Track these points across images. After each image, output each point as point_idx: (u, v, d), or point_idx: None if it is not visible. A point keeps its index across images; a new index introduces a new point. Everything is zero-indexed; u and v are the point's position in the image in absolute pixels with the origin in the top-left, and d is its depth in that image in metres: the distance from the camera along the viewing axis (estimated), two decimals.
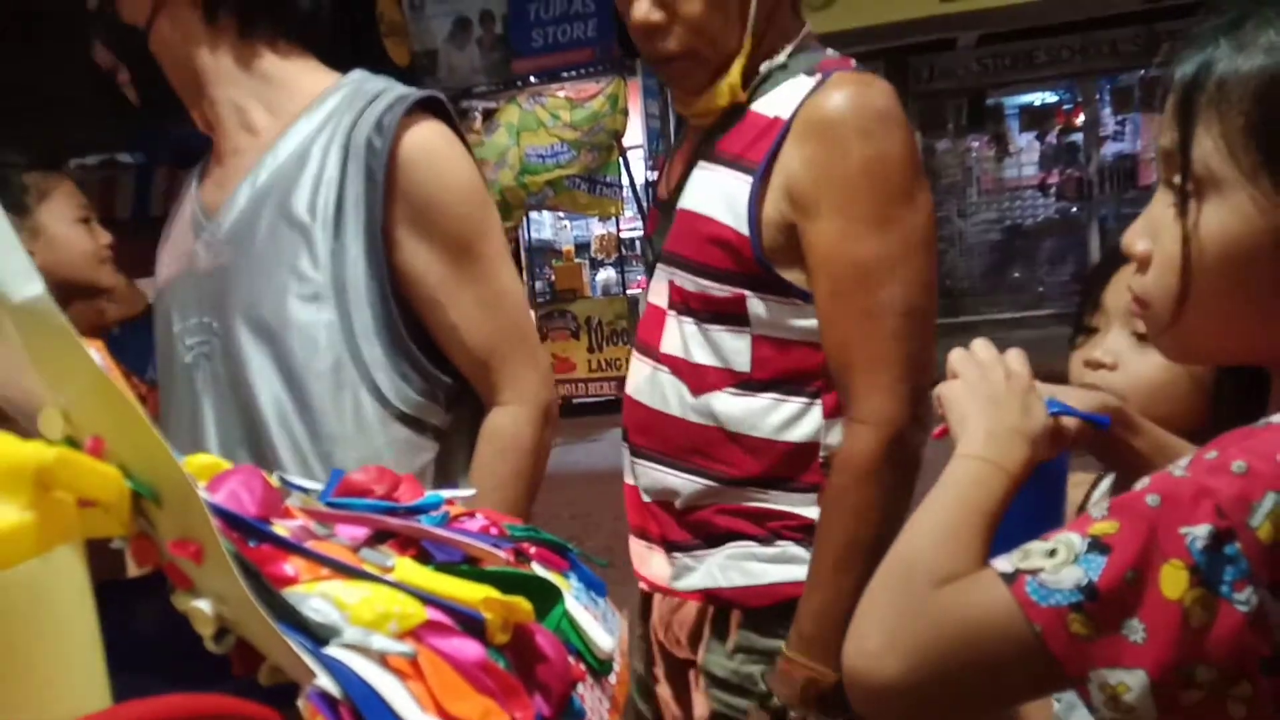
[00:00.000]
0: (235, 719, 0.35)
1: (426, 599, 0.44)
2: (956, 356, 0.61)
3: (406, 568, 0.49)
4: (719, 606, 0.90)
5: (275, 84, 0.83)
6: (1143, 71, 7.33)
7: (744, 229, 0.83)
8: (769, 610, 0.88)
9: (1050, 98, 8.19)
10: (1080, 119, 7.93)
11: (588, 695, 0.52)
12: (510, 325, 0.83)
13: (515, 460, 0.82)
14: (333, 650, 0.38)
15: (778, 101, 0.85)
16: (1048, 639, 0.44)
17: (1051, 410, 0.59)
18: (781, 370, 0.86)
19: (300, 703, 0.36)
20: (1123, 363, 0.80)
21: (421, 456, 0.80)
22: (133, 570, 0.54)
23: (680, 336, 0.90)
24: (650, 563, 0.95)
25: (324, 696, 0.36)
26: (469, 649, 0.43)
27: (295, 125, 0.81)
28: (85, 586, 0.35)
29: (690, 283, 0.87)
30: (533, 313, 7.22)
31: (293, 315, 0.76)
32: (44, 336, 0.35)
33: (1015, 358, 0.60)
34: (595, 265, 7.27)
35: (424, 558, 0.52)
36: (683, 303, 0.89)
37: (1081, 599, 0.43)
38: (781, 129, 0.83)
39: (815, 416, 0.87)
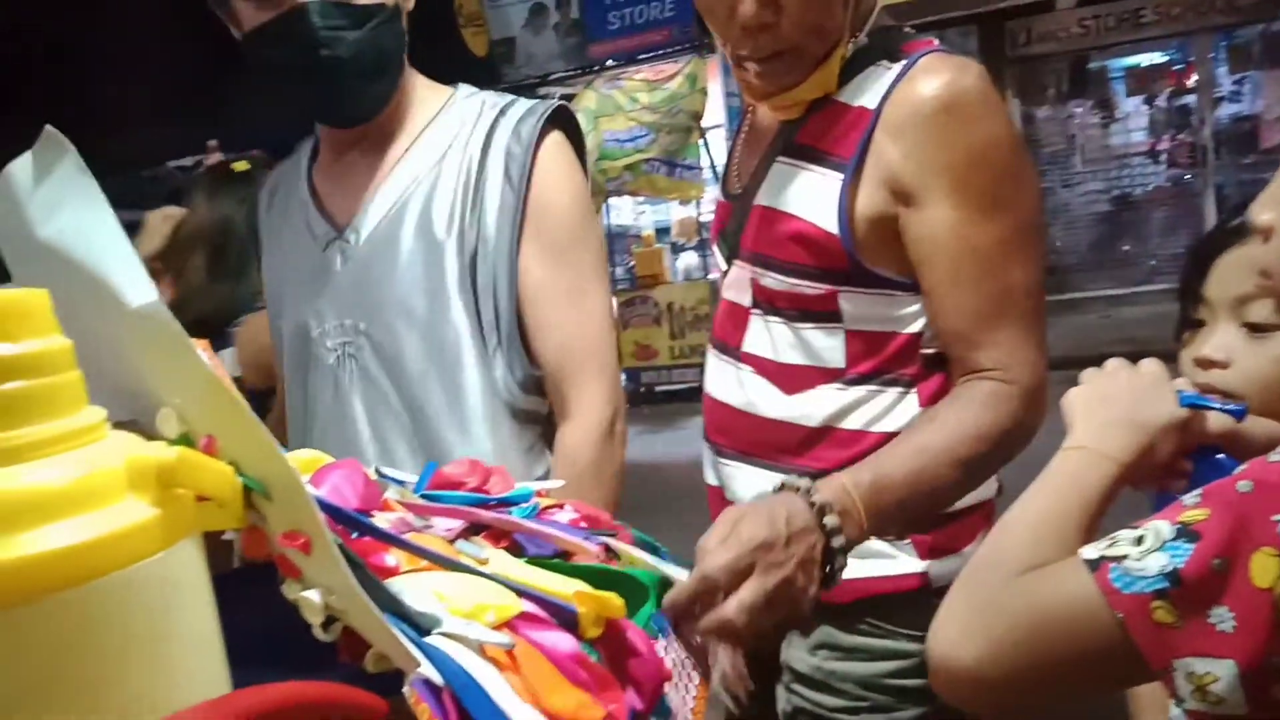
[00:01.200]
0: (345, 706, 0.37)
1: (521, 591, 0.45)
2: (1087, 372, 0.61)
3: (500, 560, 0.50)
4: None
5: (399, 101, 0.88)
6: (1263, 25, 6.80)
7: (833, 227, 0.81)
8: (851, 607, 0.86)
9: (1159, 58, 7.69)
10: (1192, 79, 7.43)
11: (672, 693, 0.53)
12: (589, 336, 0.87)
13: (577, 481, 0.85)
14: (434, 640, 0.40)
15: (862, 89, 0.82)
16: (1130, 627, 0.43)
17: (1184, 402, 0.58)
18: (877, 363, 0.84)
19: (405, 690, 0.37)
20: (1235, 359, 0.75)
21: (531, 442, 0.88)
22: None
23: (768, 336, 0.88)
24: None
25: (427, 684, 0.37)
26: (563, 642, 0.43)
27: (424, 137, 0.87)
28: (205, 578, 0.37)
29: (777, 282, 0.85)
30: (614, 300, 7.21)
31: (436, 314, 0.83)
32: (159, 342, 0.37)
33: (1149, 362, 0.60)
34: (676, 250, 7.23)
35: (516, 550, 0.54)
36: (769, 302, 0.87)
37: (1166, 586, 0.43)
38: (870, 120, 0.80)
39: (911, 405, 0.84)
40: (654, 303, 6.39)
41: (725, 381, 0.92)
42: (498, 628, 0.42)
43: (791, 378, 0.86)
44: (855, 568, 0.86)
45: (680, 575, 0.60)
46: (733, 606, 0.60)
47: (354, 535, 0.45)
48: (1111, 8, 7.08)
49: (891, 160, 0.79)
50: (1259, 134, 7.14)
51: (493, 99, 0.89)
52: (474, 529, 0.54)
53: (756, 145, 0.92)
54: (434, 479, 0.59)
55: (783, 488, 0.70)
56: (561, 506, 0.63)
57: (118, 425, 0.37)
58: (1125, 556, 0.45)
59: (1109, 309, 6.73)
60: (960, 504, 0.85)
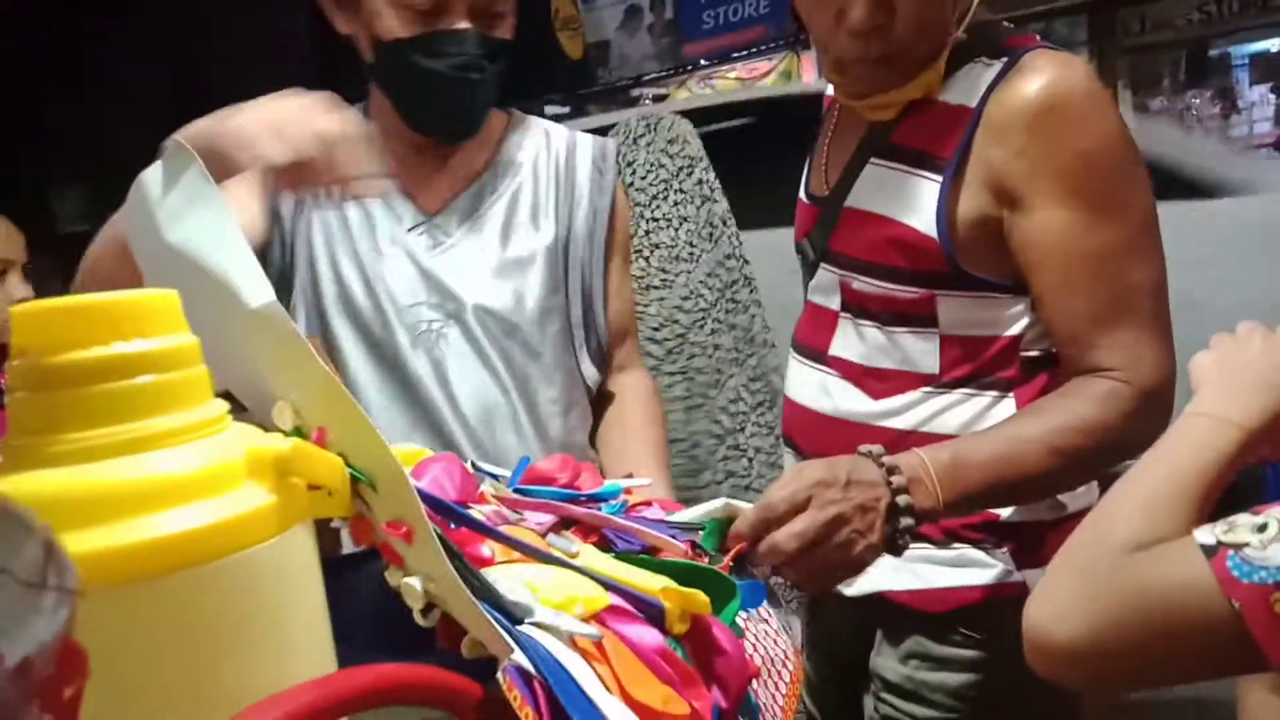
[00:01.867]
0: (440, 689, 0.38)
1: (609, 585, 0.46)
2: (1217, 336, 0.58)
3: (590, 554, 0.51)
4: (891, 610, 0.86)
5: None
6: None
7: (932, 231, 0.78)
8: (944, 616, 0.83)
9: None
10: None
11: (761, 692, 0.53)
12: (632, 312, 1.03)
13: (648, 416, 0.97)
14: (525, 629, 0.41)
15: (962, 88, 0.79)
16: (1247, 618, 0.42)
17: None
18: (973, 367, 0.82)
19: (499, 676, 0.38)
20: None
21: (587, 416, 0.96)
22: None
23: (859, 340, 0.86)
24: None
25: (519, 671, 0.39)
26: (649, 636, 0.44)
27: (506, 146, 0.95)
28: (315, 562, 0.39)
29: (871, 286, 0.83)
30: None
31: (529, 298, 0.90)
32: (276, 340, 0.40)
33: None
34: None
35: (605, 545, 0.55)
36: (861, 306, 0.85)
37: None
38: (971, 119, 0.78)
39: (1007, 408, 0.81)
40: None
41: (808, 385, 0.90)
42: (586, 620, 0.42)
43: (882, 381, 0.84)
44: (949, 576, 0.84)
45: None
46: (784, 533, 0.63)
47: (452, 526, 0.47)
48: None
49: (996, 162, 0.76)
50: None
51: (547, 124, 1.00)
52: (565, 524, 0.55)
53: (844, 146, 0.89)
54: (527, 474, 0.61)
55: (869, 455, 0.70)
56: (649, 504, 0.63)
57: (237, 417, 0.40)
58: (1246, 544, 0.43)
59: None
60: (1059, 513, 0.82)
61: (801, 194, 0.96)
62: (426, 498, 0.44)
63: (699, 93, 6.49)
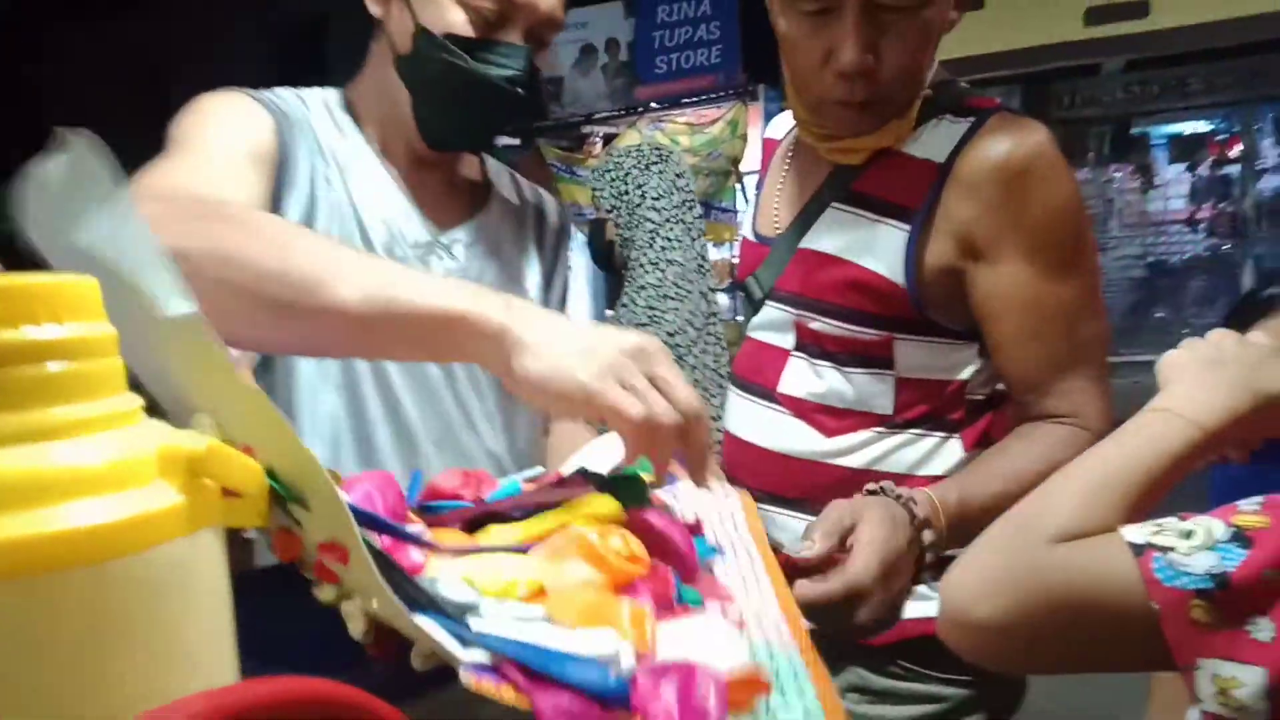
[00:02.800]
0: (348, 708, 0.37)
1: (525, 548, 0.47)
2: (1188, 340, 0.60)
3: (499, 532, 0.51)
4: (830, 643, 0.87)
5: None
6: None
7: (899, 278, 0.81)
8: (884, 648, 0.85)
9: (1202, 126, 7.65)
10: (1236, 150, 7.38)
11: (718, 533, 0.54)
12: None
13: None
14: (474, 622, 0.40)
15: (929, 142, 0.83)
16: (1164, 620, 0.43)
17: None
18: (924, 410, 0.85)
19: (462, 676, 0.38)
20: None
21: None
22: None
23: (814, 379, 0.87)
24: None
25: (479, 666, 0.38)
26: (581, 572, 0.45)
27: (490, 178, 0.96)
28: (224, 569, 0.37)
29: (831, 327, 0.85)
30: None
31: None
32: (195, 352, 0.38)
33: (1257, 333, 0.59)
34: None
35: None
36: (817, 345, 0.87)
37: (1211, 587, 0.42)
38: (938, 173, 0.81)
39: (955, 449, 0.84)
40: None
41: (754, 422, 0.91)
42: (531, 599, 0.42)
43: (836, 420, 0.86)
44: None
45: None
46: (864, 614, 0.64)
47: (382, 539, 0.46)
48: (1158, 74, 7.06)
49: (963, 216, 0.80)
50: None
51: (515, 178, 1.01)
52: (473, 526, 0.55)
53: (801, 189, 0.92)
54: (428, 490, 0.60)
55: (881, 491, 0.71)
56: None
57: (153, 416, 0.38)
58: (1172, 549, 0.44)
59: (1139, 375, 6.63)
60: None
61: (747, 233, 0.99)
62: (355, 512, 0.43)
63: (649, 135, 6.58)
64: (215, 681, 0.33)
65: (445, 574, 0.44)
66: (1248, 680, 0.42)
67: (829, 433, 0.87)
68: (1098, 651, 0.47)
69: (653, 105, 6.78)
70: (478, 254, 0.90)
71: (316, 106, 0.87)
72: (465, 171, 0.95)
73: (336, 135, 0.86)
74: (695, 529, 0.55)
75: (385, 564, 0.40)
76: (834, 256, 0.86)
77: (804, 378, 0.88)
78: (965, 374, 0.85)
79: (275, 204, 0.79)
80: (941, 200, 0.81)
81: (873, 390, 0.85)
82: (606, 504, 0.50)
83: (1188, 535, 0.45)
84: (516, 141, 7.33)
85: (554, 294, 0.96)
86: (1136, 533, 0.46)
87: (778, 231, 0.93)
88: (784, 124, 1.01)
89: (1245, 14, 5.96)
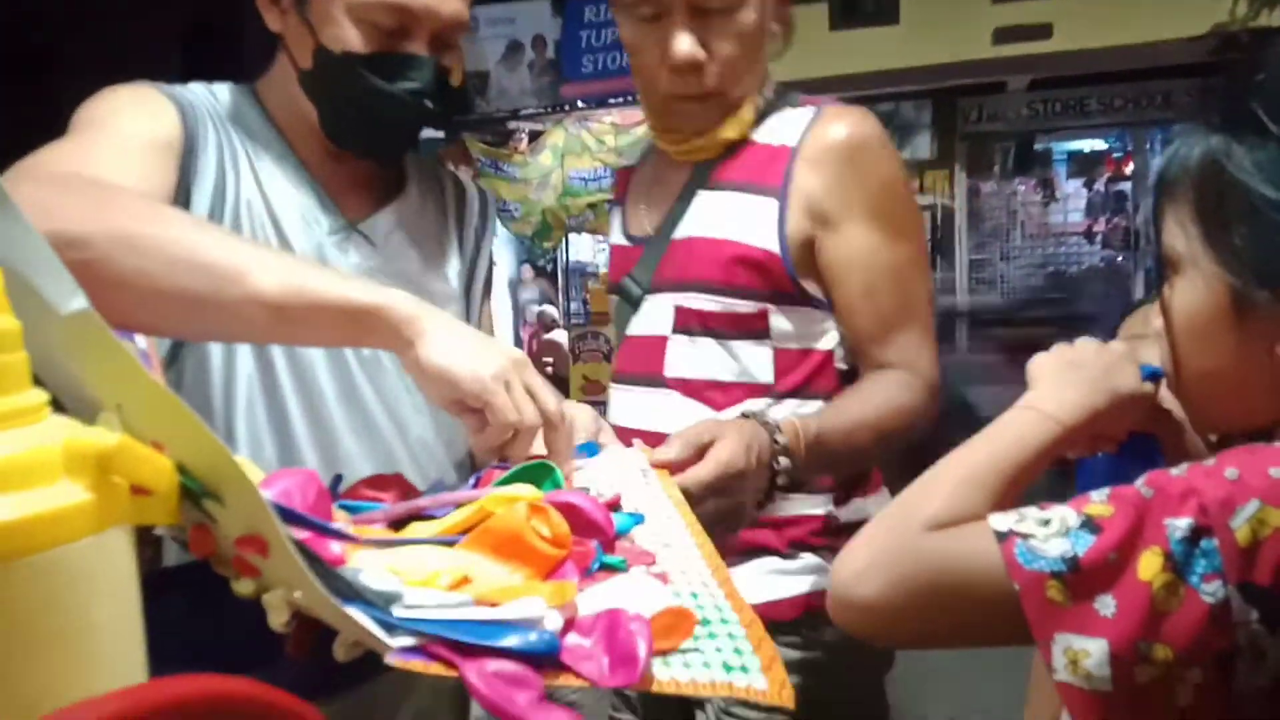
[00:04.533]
0: (262, 704, 0.37)
1: (449, 541, 0.47)
2: (1056, 345, 0.65)
3: (424, 528, 0.52)
4: None
5: None
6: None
7: (774, 247, 0.89)
8: (797, 621, 0.91)
9: (1099, 145, 8.10)
10: (1129, 168, 7.84)
11: (637, 498, 0.56)
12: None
13: None
14: (399, 610, 0.40)
15: (776, 132, 0.93)
16: (1023, 599, 0.47)
17: (1145, 374, 0.62)
18: (801, 378, 0.92)
19: (389, 659, 0.38)
20: None
21: None
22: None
23: (696, 356, 0.93)
24: None
25: (407, 650, 0.38)
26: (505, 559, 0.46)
27: (410, 170, 0.94)
28: (133, 567, 0.37)
29: (712, 303, 0.91)
30: (566, 334, 7.19)
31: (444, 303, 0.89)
32: (94, 349, 0.37)
33: (1117, 342, 0.65)
34: None
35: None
36: (699, 323, 0.92)
37: (1064, 569, 0.47)
38: (790, 154, 0.90)
39: None
40: (605, 339, 6.42)
41: (645, 409, 0.95)
42: (455, 588, 0.43)
43: (724, 394, 0.92)
44: (800, 584, 0.91)
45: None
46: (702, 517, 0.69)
47: (299, 534, 0.45)
48: (1059, 94, 7.45)
49: (813, 189, 0.89)
50: None
51: (432, 164, 1.00)
52: (396, 526, 0.55)
53: (665, 190, 0.99)
54: (349, 491, 0.60)
55: (749, 417, 0.79)
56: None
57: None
58: (1031, 535, 0.49)
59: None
60: (873, 512, 0.93)
61: (618, 239, 1.05)
62: (274, 507, 0.43)
63: (574, 133, 6.57)
64: (125, 681, 0.33)
65: (368, 565, 0.44)
66: (1094, 651, 0.46)
67: (718, 407, 0.92)
68: (967, 628, 0.52)
69: (579, 104, 6.79)
70: (396, 241, 0.88)
71: (226, 99, 0.85)
72: (389, 168, 0.94)
73: (247, 127, 0.84)
74: (614, 504, 0.57)
75: (307, 555, 0.40)
76: (710, 239, 0.92)
77: (687, 357, 0.94)
78: (828, 344, 0.93)
79: (184, 194, 0.77)
80: (794, 177, 0.90)
81: (753, 360, 0.91)
82: (524, 490, 0.51)
83: (1045, 523, 0.49)
84: (440, 135, 7.23)
85: (476, 285, 0.96)
86: (1001, 521, 0.51)
87: (647, 232, 0.98)
88: (628, 157, 1.13)
89: (1139, 41, 6.33)
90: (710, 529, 0.69)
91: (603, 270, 7.64)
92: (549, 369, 7.97)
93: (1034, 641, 0.48)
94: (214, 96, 0.85)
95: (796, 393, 0.92)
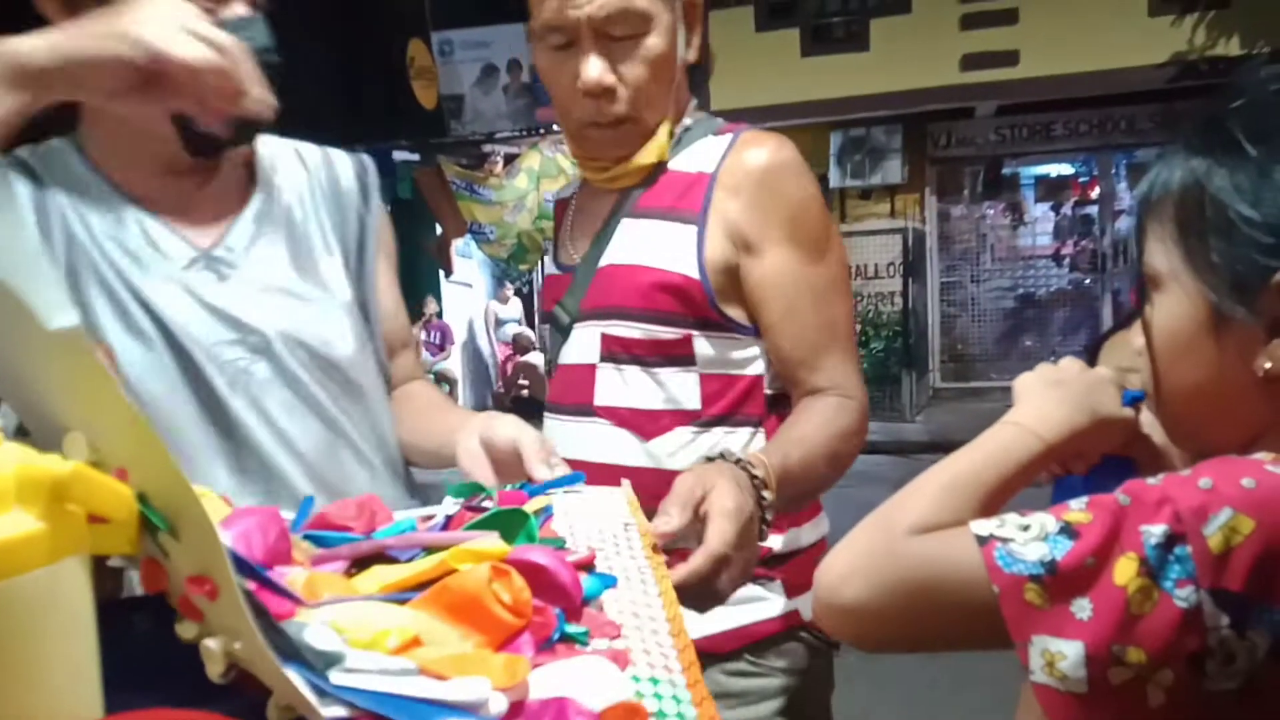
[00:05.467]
0: None
1: (404, 597, 0.46)
2: (1041, 364, 0.66)
3: (383, 572, 0.50)
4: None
5: None
6: (1158, 148, 7.43)
7: (694, 273, 0.90)
8: (739, 650, 0.90)
9: (1066, 169, 8.28)
10: (1095, 192, 8.01)
11: (612, 561, 0.54)
12: (406, 326, 1.02)
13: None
14: (336, 675, 0.39)
15: (695, 159, 0.94)
16: (1002, 601, 0.48)
17: (1128, 399, 0.63)
18: (727, 404, 0.92)
19: None
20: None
21: None
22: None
23: (622, 384, 0.92)
24: None
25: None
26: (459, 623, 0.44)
27: (258, 165, 0.88)
28: (89, 599, 0.36)
29: (635, 330, 0.91)
30: (541, 356, 7.19)
31: (347, 332, 0.86)
32: (76, 367, 0.36)
33: (1102, 367, 0.65)
34: None
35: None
36: (625, 351, 0.92)
37: (1042, 573, 0.48)
38: (709, 181, 0.91)
39: (761, 443, 0.90)
40: None
41: (575, 438, 0.94)
42: (401, 651, 0.41)
43: (652, 421, 0.91)
44: (739, 615, 0.90)
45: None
46: (725, 580, 0.68)
47: (250, 584, 0.44)
48: (1026, 119, 7.62)
49: (732, 214, 0.90)
50: None
51: (295, 143, 0.93)
52: (360, 564, 0.54)
53: (591, 218, 1.00)
54: (317, 519, 0.59)
55: (721, 458, 0.77)
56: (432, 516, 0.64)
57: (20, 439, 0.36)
58: (1011, 540, 0.49)
59: (1010, 398, 7.07)
60: (806, 540, 0.95)
61: (551, 269, 1.06)
62: (230, 553, 0.42)
63: (549, 156, 6.61)
64: (79, 715, 0.32)
65: (314, 620, 0.42)
66: (1070, 653, 0.47)
67: (647, 435, 0.91)
68: (948, 630, 0.53)
69: (554, 127, 6.83)
70: (261, 245, 0.84)
71: (47, 161, 0.81)
72: (230, 163, 0.86)
73: (73, 184, 0.80)
74: (587, 563, 0.55)
75: (254, 606, 0.38)
76: (633, 265, 0.92)
77: (615, 386, 0.93)
78: (756, 369, 0.92)
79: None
80: (713, 202, 0.90)
81: (679, 387, 0.91)
82: (492, 544, 0.50)
83: (1025, 528, 0.50)
84: (416, 157, 7.21)
85: (366, 264, 0.92)
86: (982, 526, 0.51)
87: (575, 261, 0.99)
88: (565, 191, 1.11)
89: (1103, 68, 6.50)
90: (738, 585, 0.68)
91: None
92: (525, 391, 7.94)
93: (1011, 644, 0.49)
94: (41, 160, 0.81)
95: (724, 419, 0.92)
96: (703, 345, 0.90)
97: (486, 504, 0.63)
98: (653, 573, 0.55)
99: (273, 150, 0.90)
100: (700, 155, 0.94)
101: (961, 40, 6.74)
